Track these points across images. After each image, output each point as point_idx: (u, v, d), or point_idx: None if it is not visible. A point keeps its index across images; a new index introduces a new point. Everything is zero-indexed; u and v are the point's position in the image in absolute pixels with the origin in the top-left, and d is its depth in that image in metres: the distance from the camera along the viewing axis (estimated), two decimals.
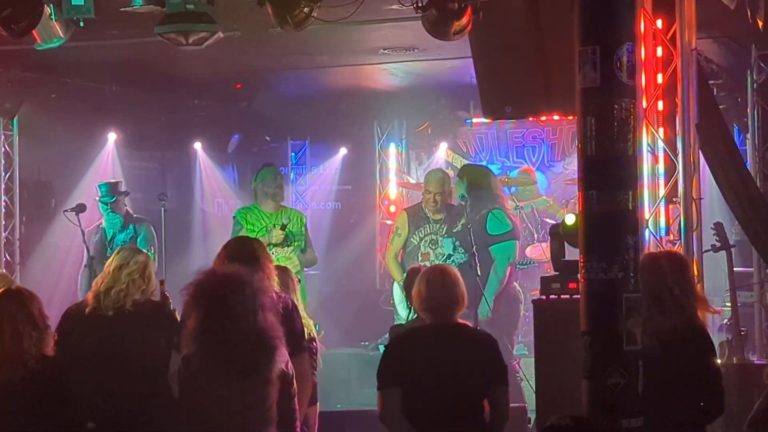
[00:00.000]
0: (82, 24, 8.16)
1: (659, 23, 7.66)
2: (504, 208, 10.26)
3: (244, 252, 6.52)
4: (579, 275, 5.12)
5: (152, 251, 10.54)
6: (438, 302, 6.03)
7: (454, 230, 10.03)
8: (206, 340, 5.62)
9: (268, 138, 15.33)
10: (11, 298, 5.96)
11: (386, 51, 11.20)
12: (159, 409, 6.68)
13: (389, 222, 14.96)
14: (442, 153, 15.00)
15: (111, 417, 6.81)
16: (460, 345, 6.02)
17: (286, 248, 10.27)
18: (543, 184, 14.02)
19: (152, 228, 10.76)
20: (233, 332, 5.55)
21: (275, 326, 5.72)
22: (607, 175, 4.99)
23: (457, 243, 9.92)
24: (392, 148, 15.43)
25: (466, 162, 14.02)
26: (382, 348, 12.35)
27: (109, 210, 10.72)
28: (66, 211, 10.38)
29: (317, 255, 10.88)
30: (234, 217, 10.51)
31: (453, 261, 9.73)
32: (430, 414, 5.88)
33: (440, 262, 9.47)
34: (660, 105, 7.77)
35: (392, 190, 15.38)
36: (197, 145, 14.08)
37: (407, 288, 7.28)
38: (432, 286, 6.07)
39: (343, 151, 15.38)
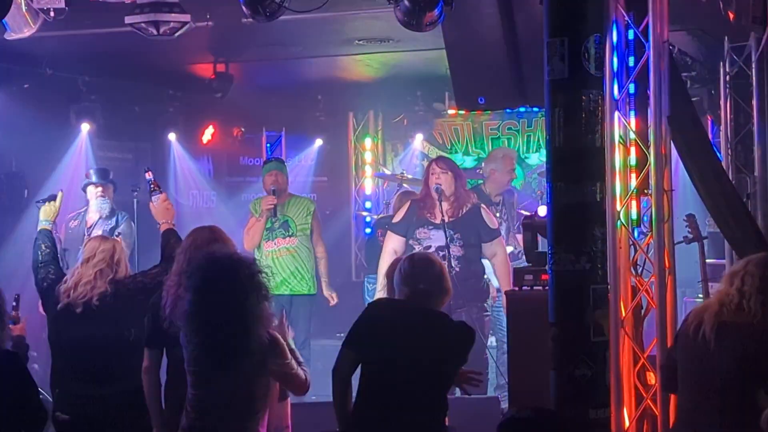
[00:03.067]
0: (52, 14, 8.11)
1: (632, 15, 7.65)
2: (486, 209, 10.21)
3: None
4: (548, 266, 5.12)
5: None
6: (419, 284, 5.97)
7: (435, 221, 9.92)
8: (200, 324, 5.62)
9: (242, 129, 15.30)
10: None
11: (361, 42, 11.18)
12: (128, 404, 6.68)
13: (365, 213, 14.98)
14: (417, 144, 15.00)
15: (81, 410, 6.80)
16: (439, 333, 5.94)
17: (289, 238, 10.34)
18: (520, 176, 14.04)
19: (132, 224, 10.77)
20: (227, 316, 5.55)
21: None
22: (575, 166, 5.01)
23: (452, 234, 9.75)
24: (368, 140, 15.42)
25: (441, 153, 14.05)
26: None
27: (100, 193, 10.72)
28: (38, 201, 10.34)
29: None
30: (249, 207, 10.95)
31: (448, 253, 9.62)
32: (385, 392, 5.85)
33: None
34: (632, 96, 7.77)
35: (368, 182, 15.37)
36: (171, 137, 14.01)
37: (389, 276, 7.22)
38: (418, 267, 6.04)
39: (318, 142, 15.36)
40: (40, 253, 7.26)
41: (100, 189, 10.77)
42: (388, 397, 5.81)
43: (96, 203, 10.78)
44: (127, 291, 6.87)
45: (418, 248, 9.60)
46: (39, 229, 7.55)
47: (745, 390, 5.41)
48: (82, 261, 6.94)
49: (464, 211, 9.70)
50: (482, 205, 9.87)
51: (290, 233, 10.43)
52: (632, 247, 7.81)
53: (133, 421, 6.75)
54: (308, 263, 10.65)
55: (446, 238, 9.50)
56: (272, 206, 10.46)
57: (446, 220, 9.57)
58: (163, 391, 6.68)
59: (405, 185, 12.93)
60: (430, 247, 9.57)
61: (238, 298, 5.58)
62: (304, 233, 10.51)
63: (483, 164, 12.24)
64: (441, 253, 9.44)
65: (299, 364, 5.92)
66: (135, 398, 6.68)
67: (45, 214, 7.65)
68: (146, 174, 7.72)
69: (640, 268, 7.84)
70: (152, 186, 7.51)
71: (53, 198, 7.79)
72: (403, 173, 13.62)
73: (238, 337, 5.58)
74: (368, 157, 15.41)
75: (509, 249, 11.35)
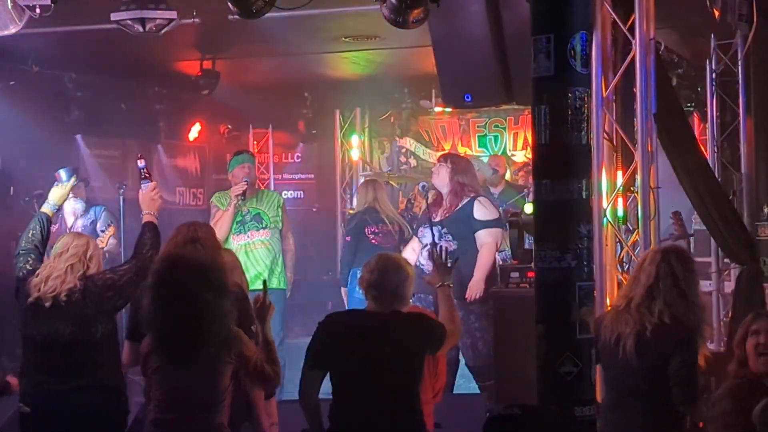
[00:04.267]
0: (38, 11, 8.08)
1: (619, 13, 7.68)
2: (488, 196, 10.12)
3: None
4: (533, 263, 5.12)
5: (112, 226, 10.54)
6: (376, 288, 5.94)
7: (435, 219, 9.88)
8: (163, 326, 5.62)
9: (229, 126, 15.29)
10: None
11: (348, 39, 11.18)
12: (92, 399, 6.67)
13: (351, 211, 14.97)
14: (404, 142, 15.00)
15: (45, 403, 6.78)
16: (389, 333, 5.89)
17: (262, 230, 10.28)
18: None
19: (109, 210, 10.73)
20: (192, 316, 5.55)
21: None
22: (561, 163, 4.99)
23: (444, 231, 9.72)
24: (355, 137, 15.42)
25: (428, 150, 14.05)
26: None
27: (71, 195, 10.68)
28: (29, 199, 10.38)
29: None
30: (211, 201, 10.58)
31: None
32: (358, 402, 5.79)
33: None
34: (618, 94, 7.80)
35: (354, 179, 15.37)
36: (156, 134, 13.98)
37: None
38: (372, 271, 6.00)
39: (305, 139, 15.34)
40: (25, 239, 7.12)
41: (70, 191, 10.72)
42: (363, 407, 5.78)
43: (69, 204, 10.74)
44: (95, 287, 6.80)
45: (418, 246, 9.61)
46: (40, 210, 7.40)
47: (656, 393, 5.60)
48: (54, 255, 6.86)
49: (460, 205, 9.62)
50: (479, 198, 9.72)
51: (264, 225, 10.31)
52: (618, 244, 7.84)
53: (96, 417, 6.72)
54: (282, 257, 10.57)
55: (432, 235, 9.46)
56: (242, 191, 10.31)
57: (445, 216, 9.52)
58: (144, 388, 6.69)
59: (392, 183, 12.93)
60: (426, 245, 9.56)
61: (189, 296, 5.57)
62: (276, 226, 10.41)
63: None
64: (431, 249, 9.44)
65: (271, 360, 5.89)
66: (99, 394, 6.67)
67: (54, 196, 7.43)
68: (138, 161, 7.63)
69: (627, 266, 7.86)
70: (143, 173, 7.44)
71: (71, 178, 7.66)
72: (389, 171, 13.61)
73: (190, 334, 5.59)
74: (355, 154, 15.40)
75: None
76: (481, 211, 9.44)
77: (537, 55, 4.97)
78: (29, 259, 7.01)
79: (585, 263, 4.97)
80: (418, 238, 9.71)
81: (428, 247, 9.48)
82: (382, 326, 5.87)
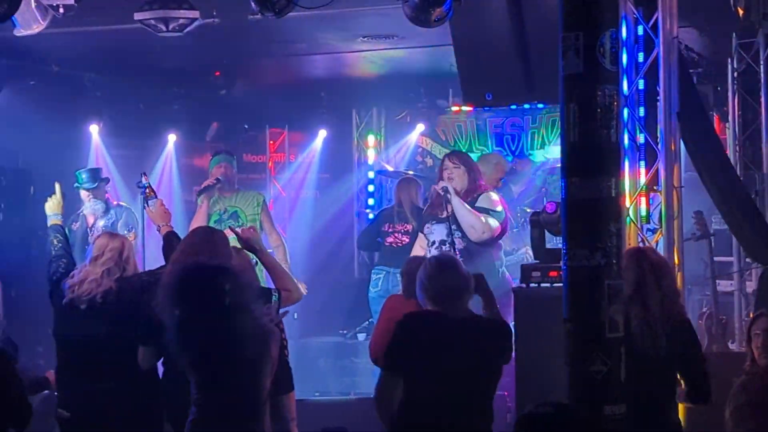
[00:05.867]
0: (61, 10, 8.11)
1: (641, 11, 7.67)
2: (497, 192, 10.09)
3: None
4: (562, 262, 5.10)
5: (133, 232, 10.55)
6: (439, 290, 5.90)
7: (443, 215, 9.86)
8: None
9: (246, 126, 15.29)
10: None
11: (366, 39, 11.17)
12: (128, 400, 6.68)
13: (368, 210, 14.97)
14: (414, 139, 14.93)
15: (83, 405, 6.80)
16: (470, 339, 5.85)
17: (238, 228, 10.25)
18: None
19: (132, 212, 10.74)
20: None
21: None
22: (590, 161, 4.97)
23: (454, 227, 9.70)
24: (371, 137, 15.40)
25: (445, 150, 14.00)
26: (360, 336, 12.48)
27: (90, 196, 10.71)
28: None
29: (284, 238, 10.84)
30: (196, 200, 10.71)
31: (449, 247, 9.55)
32: (432, 407, 5.74)
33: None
34: (641, 92, 7.79)
35: (371, 179, 15.36)
36: (174, 134, 13.98)
37: (407, 274, 7.17)
38: (434, 273, 5.95)
39: (321, 139, 15.31)
40: (52, 248, 7.25)
41: (89, 193, 10.76)
42: (436, 413, 5.73)
43: (89, 206, 10.77)
44: (131, 289, 6.85)
45: (425, 243, 9.57)
46: (49, 224, 7.51)
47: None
48: (91, 259, 6.92)
49: (468, 201, 9.62)
50: (488, 192, 9.72)
51: (239, 224, 10.28)
52: (641, 243, 7.82)
53: (132, 418, 6.74)
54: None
55: (450, 231, 9.43)
56: (212, 182, 10.30)
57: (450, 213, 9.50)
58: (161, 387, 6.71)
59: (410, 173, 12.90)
60: (434, 242, 9.53)
61: (222, 309, 5.57)
62: (254, 225, 10.40)
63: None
64: (443, 247, 9.41)
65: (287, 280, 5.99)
66: (135, 395, 6.73)
67: (49, 208, 7.63)
68: (142, 178, 7.74)
69: None
70: (147, 192, 7.56)
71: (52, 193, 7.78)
72: (406, 171, 13.58)
73: (229, 346, 5.59)
74: (371, 154, 15.39)
75: None
76: (485, 201, 9.46)
77: (566, 52, 4.95)
78: (61, 262, 7.10)
79: (614, 261, 4.94)
80: (425, 235, 9.68)
81: (437, 244, 9.49)
82: (461, 331, 5.82)
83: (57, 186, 7.83)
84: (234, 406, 5.63)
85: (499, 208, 9.58)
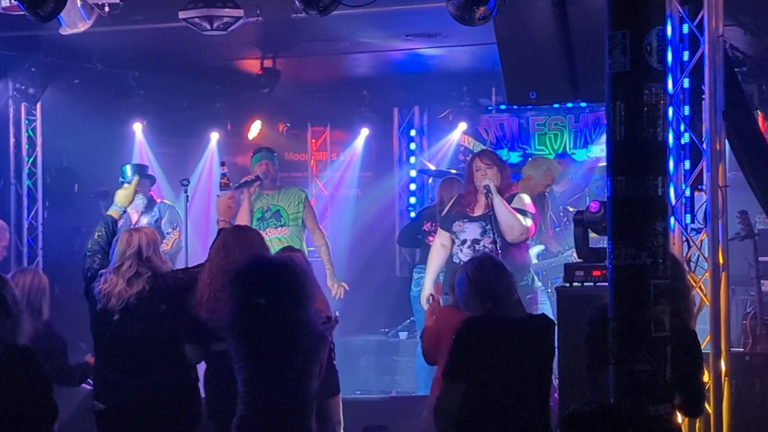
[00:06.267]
0: (107, 9, 8.17)
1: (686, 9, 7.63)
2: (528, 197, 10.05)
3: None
4: (607, 261, 5.08)
5: (177, 230, 10.60)
6: (491, 292, 5.87)
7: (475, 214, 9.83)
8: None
9: (288, 124, 15.33)
10: None
11: (409, 37, 11.17)
12: (163, 396, 6.71)
13: (409, 209, 14.98)
14: (456, 138, 14.91)
15: (119, 401, 6.84)
16: (528, 339, 5.83)
17: (280, 228, 10.27)
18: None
19: (176, 210, 10.78)
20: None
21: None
22: (636, 160, 4.94)
23: (488, 227, 9.67)
24: (413, 135, 15.40)
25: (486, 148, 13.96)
26: (402, 335, 12.49)
27: None
28: (93, 195, 10.48)
29: (327, 236, 10.87)
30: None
31: (483, 246, 9.53)
32: (494, 412, 5.72)
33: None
34: (686, 91, 7.75)
35: (413, 178, 15.36)
36: (217, 132, 14.04)
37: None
38: (482, 275, 5.93)
39: (363, 137, 15.33)
40: (91, 241, 7.21)
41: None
42: (500, 417, 5.71)
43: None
44: (165, 287, 6.86)
45: (456, 242, 9.54)
46: (106, 213, 7.42)
47: None
48: (114, 267, 6.88)
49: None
50: (519, 194, 9.70)
51: (282, 223, 10.31)
52: (686, 243, 7.78)
53: (168, 414, 6.78)
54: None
55: (492, 229, 9.40)
56: (251, 178, 10.31)
57: (485, 212, 9.47)
58: (202, 385, 6.74)
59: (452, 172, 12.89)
60: (465, 240, 9.50)
61: (280, 305, 5.59)
62: (296, 223, 10.40)
63: (524, 165, 12.15)
64: (476, 246, 9.40)
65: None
66: (171, 391, 6.79)
67: (118, 197, 7.52)
68: (221, 168, 7.74)
69: (694, 265, 7.81)
70: (223, 181, 7.55)
71: (128, 182, 7.76)
72: (448, 170, 13.58)
73: (283, 340, 5.60)
74: (413, 152, 15.39)
75: (539, 248, 11.29)
76: (518, 202, 9.45)
77: (612, 51, 4.93)
78: (96, 259, 7.09)
79: (660, 261, 4.92)
80: (454, 233, 9.62)
81: (469, 243, 9.45)
82: (519, 331, 5.80)
83: (135, 178, 7.81)
84: (282, 404, 5.65)
85: (530, 210, 9.57)
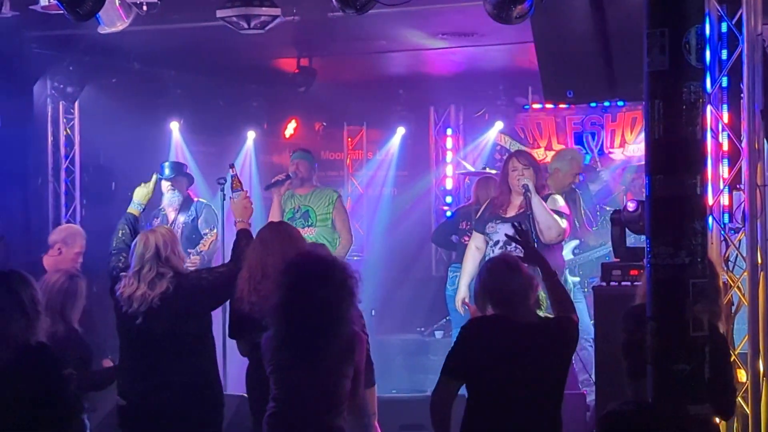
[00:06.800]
0: (145, 8, 8.22)
1: (725, 8, 7.59)
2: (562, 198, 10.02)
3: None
4: (645, 260, 5.06)
5: (214, 231, 10.63)
6: (503, 292, 5.80)
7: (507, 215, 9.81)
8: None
9: (324, 123, 15.36)
10: (1, 282, 5.68)
11: (445, 36, 11.17)
12: (187, 395, 6.74)
13: (446, 208, 14.98)
14: (492, 136, 14.89)
15: (142, 399, 6.87)
16: (539, 344, 5.76)
17: (307, 228, 10.31)
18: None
19: (213, 210, 10.82)
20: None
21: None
22: (675, 158, 4.92)
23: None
24: (449, 134, 15.40)
25: (524, 148, 13.94)
26: (437, 334, 12.49)
27: (170, 187, 10.81)
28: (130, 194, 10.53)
29: (354, 237, 10.90)
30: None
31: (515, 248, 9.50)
32: (499, 415, 5.67)
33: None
34: (724, 90, 7.71)
35: (448, 177, 15.36)
36: (253, 131, 14.08)
37: None
38: (492, 277, 5.85)
39: (399, 136, 15.34)
40: (115, 239, 7.25)
41: (169, 183, 10.85)
42: (503, 422, 5.67)
43: (167, 197, 10.87)
44: (189, 287, 6.88)
45: (489, 244, 9.54)
46: (127, 211, 7.51)
47: None
48: (133, 270, 6.89)
49: None
50: (553, 195, 9.68)
51: (309, 223, 10.34)
52: (724, 242, 7.75)
53: (191, 412, 6.81)
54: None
55: (526, 230, 9.36)
56: (281, 177, 10.37)
57: (519, 212, 9.46)
58: (246, 375, 6.76)
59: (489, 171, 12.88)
60: (498, 242, 9.50)
61: (328, 298, 5.59)
62: (325, 224, 10.43)
63: (550, 160, 12.11)
64: (508, 247, 9.40)
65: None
66: (194, 389, 6.84)
67: (137, 195, 7.60)
68: (230, 169, 7.77)
69: (732, 265, 7.77)
70: (234, 183, 7.57)
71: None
72: (485, 169, 13.56)
73: (322, 335, 5.61)
74: (449, 151, 15.39)
75: (574, 243, 11.25)
76: (553, 203, 9.43)
77: (651, 49, 4.91)
78: (121, 258, 7.15)
79: (699, 260, 4.89)
80: (487, 234, 9.62)
81: (501, 244, 9.43)
82: (529, 335, 5.73)
83: (155, 177, 7.85)
84: (311, 403, 5.66)
85: (564, 210, 9.56)
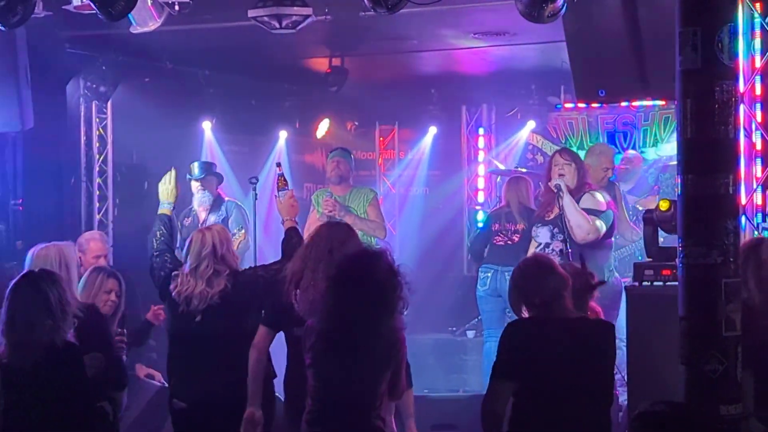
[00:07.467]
0: (177, 8, 8.25)
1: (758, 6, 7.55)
2: (601, 191, 9.94)
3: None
4: (677, 260, 5.04)
5: (243, 231, 10.65)
6: (540, 293, 5.70)
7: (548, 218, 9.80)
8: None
9: (356, 123, 15.36)
10: (29, 282, 5.79)
11: (477, 35, 11.16)
12: (245, 393, 6.73)
13: (478, 207, 14.94)
14: (525, 136, 14.83)
15: (198, 398, 6.87)
16: (580, 341, 5.64)
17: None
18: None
19: (244, 210, 10.84)
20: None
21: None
22: (707, 158, 4.91)
23: (556, 230, 9.64)
24: (481, 133, 15.36)
25: (556, 147, 13.88)
26: (469, 333, 12.46)
27: (199, 187, 10.83)
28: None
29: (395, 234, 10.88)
30: (312, 198, 10.84)
31: (552, 250, 9.49)
32: (548, 419, 5.57)
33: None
34: (758, 89, 7.66)
35: (480, 176, 15.32)
36: (285, 131, 14.10)
37: None
38: (526, 278, 5.79)
39: (431, 136, 15.31)
40: (155, 240, 7.21)
41: (199, 183, 10.87)
42: (555, 419, 5.55)
43: (197, 197, 10.89)
44: (246, 284, 6.90)
45: (533, 246, 9.54)
46: (158, 213, 7.46)
47: None
48: (190, 268, 6.88)
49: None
50: (592, 192, 9.62)
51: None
52: None
53: (243, 411, 6.80)
54: None
55: (560, 232, 9.36)
56: (333, 213, 10.35)
57: (558, 214, 9.44)
58: (284, 375, 6.75)
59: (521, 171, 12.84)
60: (540, 244, 9.49)
61: (374, 296, 5.58)
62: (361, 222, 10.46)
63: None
64: (546, 250, 9.37)
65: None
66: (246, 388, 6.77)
67: (162, 195, 7.53)
68: (276, 168, 7.79)
69: None
70: (279, 182, 7.57)
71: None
72: (517, 168, 13.53)
73: (365, 333, 5.60)
74: (481, 151, 15.35)
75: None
76: (588, 201, 9.38)
77: (683, 48, 4.90)
78: (166, 258, 7.13)
79: (731, 259, 4.88)
80: (533, 237, 9.63)
81: (542, 246, 9.42)
82: (569, 333, 5.64)
83: (172, 171, 7.68)
84: (348, 402, 5.65)
85: (605, 209, 9.50)
